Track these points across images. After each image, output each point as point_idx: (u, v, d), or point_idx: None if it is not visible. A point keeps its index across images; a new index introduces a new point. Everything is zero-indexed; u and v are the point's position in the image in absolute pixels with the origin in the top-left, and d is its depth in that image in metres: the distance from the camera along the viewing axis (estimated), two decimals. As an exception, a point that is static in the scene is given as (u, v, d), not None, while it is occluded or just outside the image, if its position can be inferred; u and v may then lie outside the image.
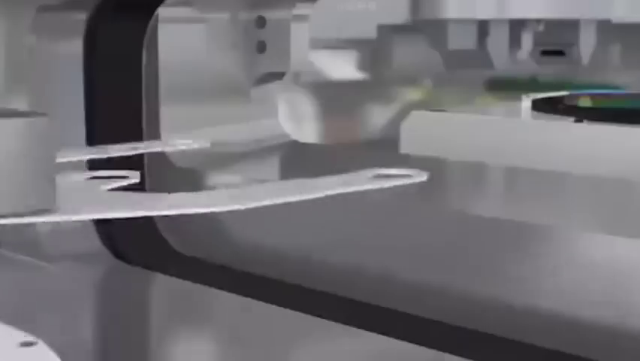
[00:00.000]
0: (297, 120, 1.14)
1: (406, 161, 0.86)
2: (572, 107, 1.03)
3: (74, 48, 0.77)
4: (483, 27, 1.19)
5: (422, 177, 0.50)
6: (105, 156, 0.58)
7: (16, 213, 0.42)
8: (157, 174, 0.87)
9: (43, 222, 0.44)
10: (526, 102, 1.03)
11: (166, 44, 0.81)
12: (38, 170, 0.42)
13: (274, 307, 0.62)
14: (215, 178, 0.79)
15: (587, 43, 1.04)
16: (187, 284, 0.69)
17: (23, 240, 0.76)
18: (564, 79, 1.28)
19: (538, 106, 1.03)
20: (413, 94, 1.30)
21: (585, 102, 1.06)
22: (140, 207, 0.45)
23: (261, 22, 0.94)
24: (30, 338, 0.37)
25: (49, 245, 0.75)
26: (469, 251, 0.64)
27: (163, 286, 0.72)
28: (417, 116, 1.02)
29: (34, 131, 0.42)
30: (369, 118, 1.24)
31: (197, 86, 0.87)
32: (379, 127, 1.23)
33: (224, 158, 0.86)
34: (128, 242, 0.75)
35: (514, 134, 0.96)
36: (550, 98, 1.06)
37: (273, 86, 0.92)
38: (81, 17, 0.76)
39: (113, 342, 0.59)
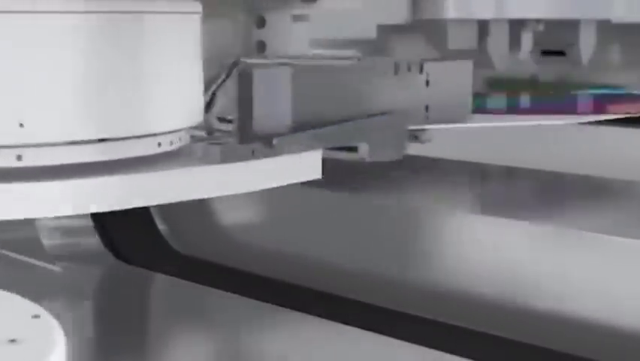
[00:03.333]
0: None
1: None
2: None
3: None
4: (483, 27, 1.19)
5: None
6: None
7: None
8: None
9: None
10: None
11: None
12: None
13: (274, 307, 0.62)
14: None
15: (587, 44, 1.04)
16: (187, 284, 0.69)
17: (25, 239, 0.76)
18: (564, 79, 1.28)
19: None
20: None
21: None
22: None
23: (261, 22, 0.94)
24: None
25: (49, 245, 0.75)
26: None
27: (163, 286, 0.72)
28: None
29: None
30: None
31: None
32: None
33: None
34: (128, 242, 0.75)
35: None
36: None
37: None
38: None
39: (113, 341, 0.59)
